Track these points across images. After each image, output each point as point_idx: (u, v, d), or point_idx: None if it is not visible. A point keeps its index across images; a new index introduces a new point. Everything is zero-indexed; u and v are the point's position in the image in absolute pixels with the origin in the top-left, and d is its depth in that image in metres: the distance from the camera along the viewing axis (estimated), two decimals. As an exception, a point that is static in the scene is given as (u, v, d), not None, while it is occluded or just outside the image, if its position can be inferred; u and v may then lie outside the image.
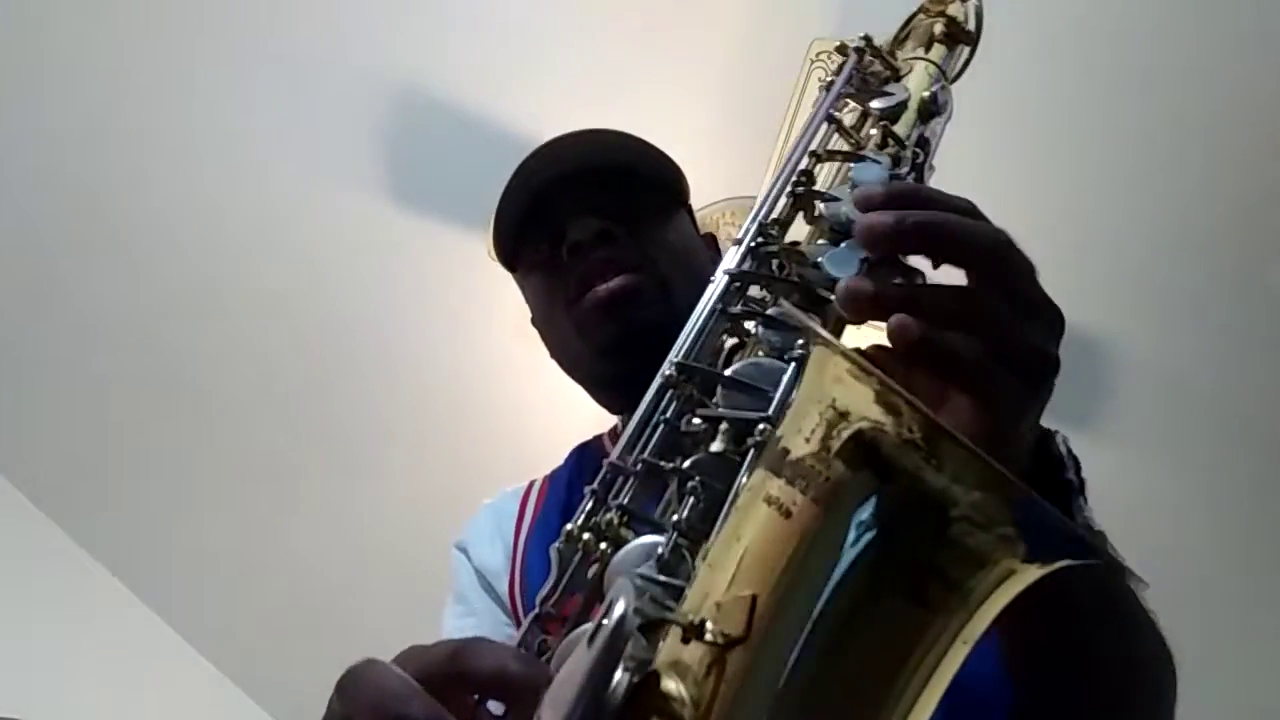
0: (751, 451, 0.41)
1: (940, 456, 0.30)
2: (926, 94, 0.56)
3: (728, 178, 1.65)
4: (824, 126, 0.55)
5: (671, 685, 0.31)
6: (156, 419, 2.13)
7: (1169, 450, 1.97)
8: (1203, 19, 1.58)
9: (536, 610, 0.44)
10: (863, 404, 0.32)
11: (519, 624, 0.53)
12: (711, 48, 1.66)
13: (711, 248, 0.91)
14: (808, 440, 0.33)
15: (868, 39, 0.59)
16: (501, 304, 1.70)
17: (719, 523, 0.38)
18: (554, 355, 0.85)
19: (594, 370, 0.81)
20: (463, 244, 1.74)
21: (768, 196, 0.53)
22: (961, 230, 0.44)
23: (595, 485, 0.46)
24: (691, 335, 0.49)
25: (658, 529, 0.43)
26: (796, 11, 1.56)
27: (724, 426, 0.45)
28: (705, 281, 0.51)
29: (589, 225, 0.78)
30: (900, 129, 0.55)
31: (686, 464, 0.44)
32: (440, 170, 1.78)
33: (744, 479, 0.39)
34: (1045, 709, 0.54)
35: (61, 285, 1.97)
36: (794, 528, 0.32)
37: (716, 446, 0.45)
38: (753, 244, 0.51)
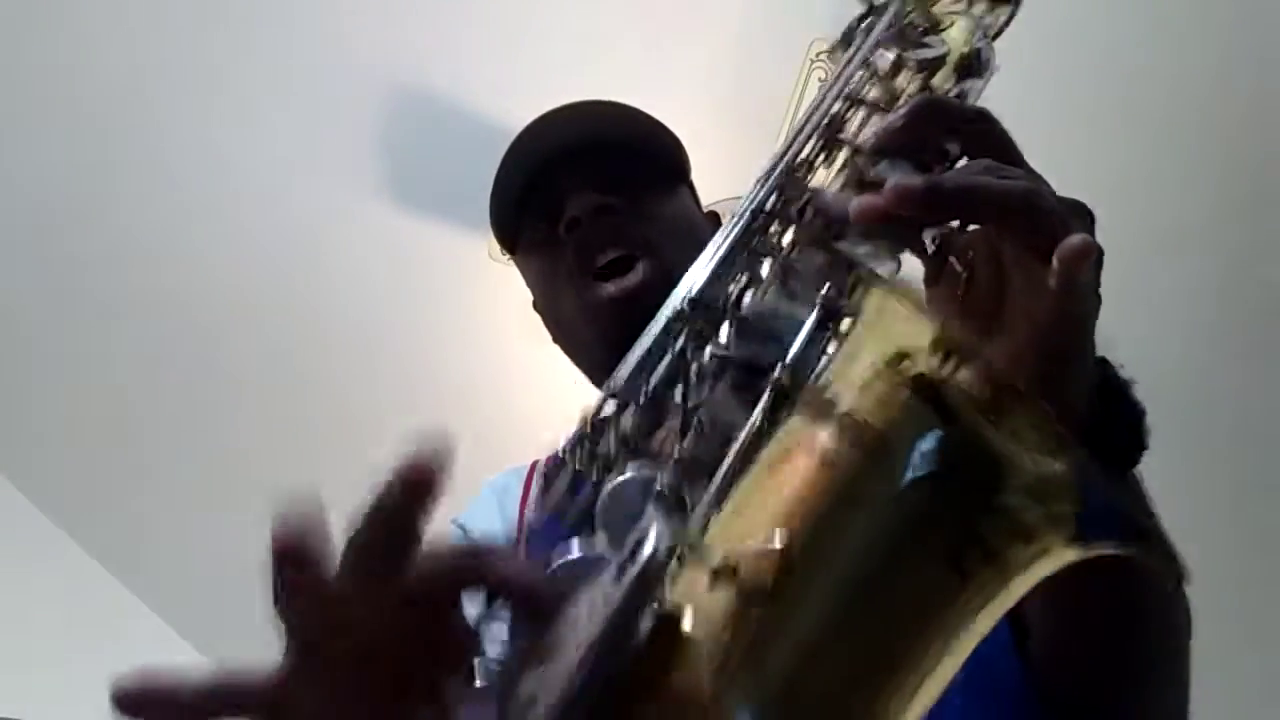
0: (768, 395, 0.39)
1: (1006, 416, 0.28)
2: (968, 49, 0.54)
3: (728, 178, 1.66)
4: (859, 72, 0.53)
5: (693, 630, 0.29)
6: (157, 419, 2.09)
7: (1166, 451, 1.98)
8: (1199, 18, 1.57)
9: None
10: (923, 354, 0.30)
11: None
12: (712, 48, 1.65)
13: (715, 226, 0.87)
14: (860, 389, 0.31)
15: None
16: (504, 304, 1.72)
17: (728, 464, 0.36)
18: (557, 339, 0.82)
19: (604, 360, 0.77)
20: (464, 245, 1.74)
21: (797, 134, 0.51)
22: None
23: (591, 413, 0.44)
24: (711, 268, 0.47)
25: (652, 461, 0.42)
26: (796, 11, 1.54)
27: (731, 367, 0.44)
28: None
29: (588, 200, 0.75)
30: (935, 83, 0.53)
31: (696, 400, 0.42)
32: (441, 171, 1.76)
33: (763, 421, 0.36)
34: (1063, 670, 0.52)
35: (60, 286, 1.93)
36: (835, 479, 0.31)
37: (724, 386, 0.44)
38: (778, 183, 0.49)
